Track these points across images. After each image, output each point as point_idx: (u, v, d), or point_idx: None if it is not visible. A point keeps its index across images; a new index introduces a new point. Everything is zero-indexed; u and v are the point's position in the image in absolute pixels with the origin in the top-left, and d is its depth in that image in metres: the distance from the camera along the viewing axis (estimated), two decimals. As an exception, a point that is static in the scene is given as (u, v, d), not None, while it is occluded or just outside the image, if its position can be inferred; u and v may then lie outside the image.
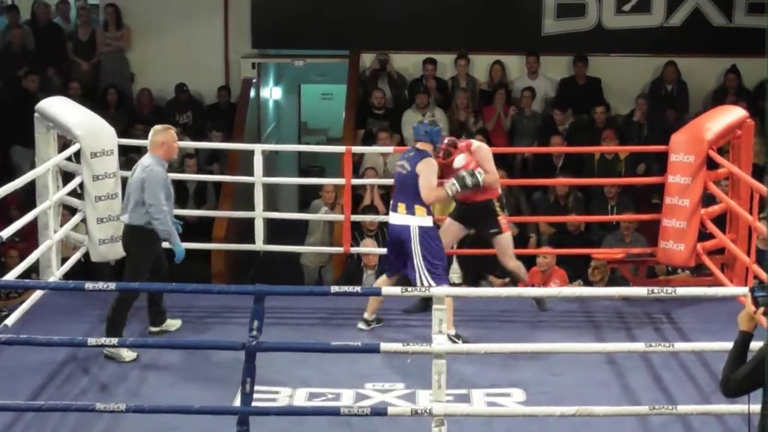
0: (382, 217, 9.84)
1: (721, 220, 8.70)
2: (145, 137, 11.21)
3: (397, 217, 7.64)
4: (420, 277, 7.46)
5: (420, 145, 7.67)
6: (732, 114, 8.99)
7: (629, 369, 7.12)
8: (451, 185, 7.69)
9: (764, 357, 4.54)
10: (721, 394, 4.65)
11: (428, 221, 7.56)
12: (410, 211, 7.54)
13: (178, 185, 11.56)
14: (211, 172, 11.82)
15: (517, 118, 12.30)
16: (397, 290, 6.14)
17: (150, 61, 13.21)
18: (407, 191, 7.59)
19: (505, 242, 8.10)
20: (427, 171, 7.53)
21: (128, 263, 7.56)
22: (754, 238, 6.71)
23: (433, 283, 7.33)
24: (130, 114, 12.70)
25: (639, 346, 6.26)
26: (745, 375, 4.59)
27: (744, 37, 12.63)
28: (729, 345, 5.75)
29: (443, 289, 5.79)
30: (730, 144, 8.94)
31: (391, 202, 7.82)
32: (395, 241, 7.68)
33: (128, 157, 11.04)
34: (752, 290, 4.87)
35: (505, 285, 9.74)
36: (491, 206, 8.02)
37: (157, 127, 7.61)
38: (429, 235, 7.53)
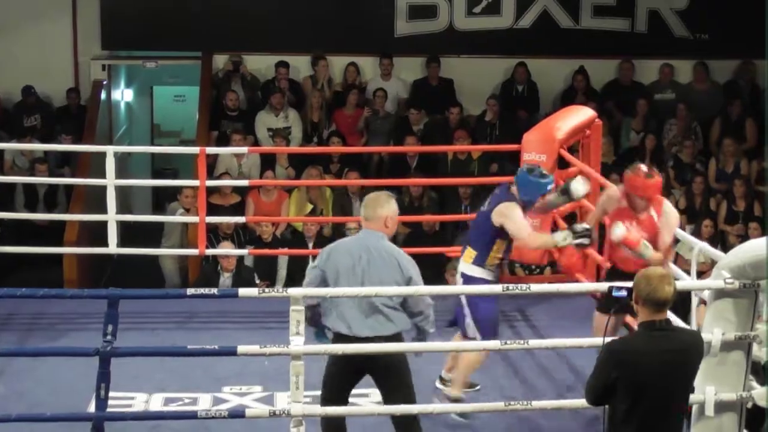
0: (236, 218, 9.79)
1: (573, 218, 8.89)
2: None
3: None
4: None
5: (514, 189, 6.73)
6: (581, 114, 9.22)
7: (485, 366, 7.20)
8: (567, 236, 6.75)
9: (602, 362, 4.66)
10: (577, 389, 4.74)
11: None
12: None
13: (28, 189, 11.36)
14: (62, 176, 11.56)
15: (371, 119, 12.36)
16: (254, 291, 6.09)
17: (-4, 62, 12.87)
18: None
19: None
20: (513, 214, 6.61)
21: None
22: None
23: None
24: (-26, 118, 12.35)
25: (494, 343, 6.35)
26: (591, 381, 4.70)
27: (591, 39, 12.94)
28: (582, 341, 5.93)
29: (300, 290, 5.78)
30: (580, 143, 9.16)
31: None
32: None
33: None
34: (610, 290, 4.99)
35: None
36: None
37: None
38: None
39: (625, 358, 4.58)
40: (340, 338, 5.70)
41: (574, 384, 6.97)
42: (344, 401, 5.88)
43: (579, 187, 7.00)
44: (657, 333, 4.59)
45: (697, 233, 10.05)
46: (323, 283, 5.73)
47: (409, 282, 5.69)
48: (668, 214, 6.87)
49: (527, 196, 6.61)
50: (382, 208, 5.83)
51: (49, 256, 9.67)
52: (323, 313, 5.77)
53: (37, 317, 8.07)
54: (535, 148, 8.73)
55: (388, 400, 5.79)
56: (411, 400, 5.81)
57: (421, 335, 5.87)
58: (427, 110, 12.47)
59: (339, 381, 5.82)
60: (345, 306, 5.66)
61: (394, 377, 5.75)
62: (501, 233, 6.57)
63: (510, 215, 6.51)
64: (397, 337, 5.73)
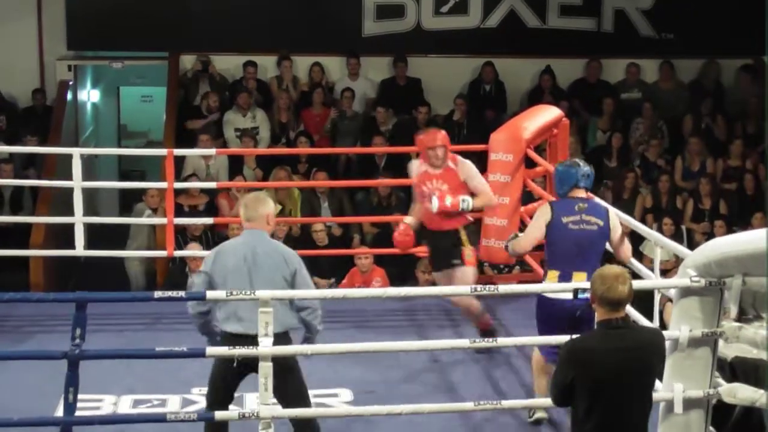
0: (204, 220, 9.75)
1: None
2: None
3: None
4: None
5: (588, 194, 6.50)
6: (548, 113, 9.24)
7: (456, 366, 7.23)
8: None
9: (561, 361, 4.69)
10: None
11: None
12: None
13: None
14: (27, 177, 11.49)
15: (338, 119, 12.35)
16: (222, 294, 6.05)
17: (-39, 63, 12.77)
18: (596, 252, 6.36)
19: (465, 276, 7.53)
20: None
21: None
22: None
23: None
24: (-61, 119, 12.25)
25: (463, 342, 6.36)
26: (552, 380, 4.74)
27: (557, 39, 13.00)
28: (549, 339, 5.94)
29: (267, 293, 5.76)
30: (547, 142, 9.19)
31: (561, 269, 6.37)
32: (571, 318, 6.03)
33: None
34: (575, 292, 5.01)
35: (331, 285, 9.79)
36: (457, 235, 7.61)
37: None
38: None
39: (582, 357, 4.62)
40: (233, 338, 5.68)
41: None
42: (231, 401, 5.91)
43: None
44: (613, 331, 4.63)
45: (659, 231, 10.10)
46: (210, 286, 5.73)
47: (295, 274, 5.74)
48: (464, 162, 7.68)
49: (559, 188, 6.49)
50: (264, 207, 5.86)
51: (14, 258, 9.59)
52: (214, 317, 5.78)
53: (2, 320, 8.01)
54: (502, 148, 8.74)
55: (281, 399, 5.78)
56: (305, 396, 5.85)
57: (309, 332, 5.87)
58: (395, 110, 12.48)
59: (229, 380, 5.80)
60: (238, 304, 5.66)
61: (286, 375, 5.73)
62: None
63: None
64: (287, 334, 5.77)
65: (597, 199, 6.70)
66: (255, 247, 5.76)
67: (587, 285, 4.88)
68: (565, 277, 6.24)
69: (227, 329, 5.72)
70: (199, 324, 5.83)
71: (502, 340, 6.77)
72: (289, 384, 5.79)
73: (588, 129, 12.50)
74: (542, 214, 6.41)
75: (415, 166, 7.88)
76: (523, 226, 8.69)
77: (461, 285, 7.05)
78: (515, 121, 9.28)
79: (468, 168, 7.66)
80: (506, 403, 6.12)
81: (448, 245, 7.60)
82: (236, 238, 5.93)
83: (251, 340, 5.62)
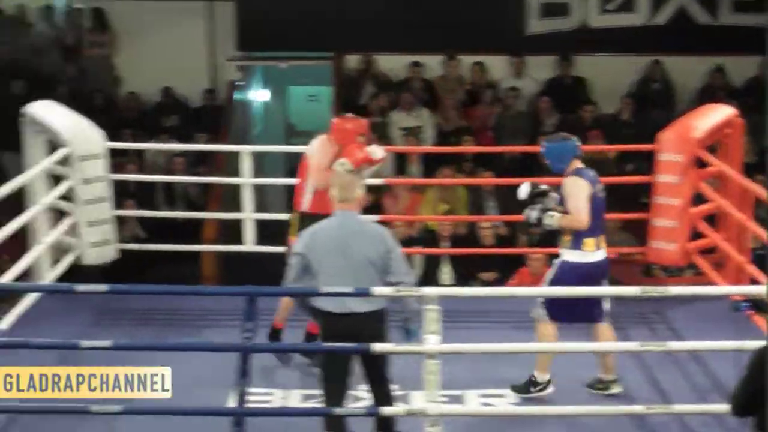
0: (369, 218, 9.80)
1: (711, 219, 8.73)
2: (132, 141, 11.26)
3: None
4: None
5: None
6: (720, 112, 9.01)
7: (623, 369, 7.12)
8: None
9: (752, 368, 4.43)
10: (719, 395, 4.62)
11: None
12: None
13: (167, 188, 11.60)
14: (198, 174, 11.79)
15: (502, 117, 12.31)
16: (388, 290, 6.09)
17: (136, 64, 13.18)
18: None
19: None
20: None
21: None
22: (746, 236, 6.78)
23: None
24: (116, 118, 12.65)
25: (633, 345, 6.27)
26: (739, 388, 4.50)
27: (730, 36, 12.66)
28: (723, 344, 5.80)
29: (434, 290, 5.78)
30: (720, 142, 8.97)
31: (596, 235, 6.75)
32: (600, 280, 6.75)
33: (115, 160, 11.02)
34: (737, 303, 4.86)
35: (495, 279, 9.76)
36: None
37: None
38: None
39: None
40: (331, 317, 5.73)
41: (712, 389, 6.84)
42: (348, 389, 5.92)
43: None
44: None
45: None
46: (305, 269, 5.75)
47: (390, 252, 5.75)
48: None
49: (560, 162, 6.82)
50: (360, 190, 5.88)
51: (187, 252, 9.86)
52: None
53: (174, 313, 8.23)
54: (671, 148, 8.59)
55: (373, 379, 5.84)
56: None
57: (405, 311, 5.85)
58: (560, 109, 12.38)
59: (345, 368, 5.82)
60: (327, 281, 5.68)
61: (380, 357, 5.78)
62: None
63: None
64: (383, 312, 5.79)
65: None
66: (350, 227, 5.78)
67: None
68: (597, 244, 6.64)
69: (326, 308, 5.75)
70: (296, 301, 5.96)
71: (672, 344, 6.64)
72: (381, 361, 5.83)
73: (763, 129, 12.15)
74: (582, 188, 6.63)
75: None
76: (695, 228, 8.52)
77: None
78: (685, 120, 9.08)
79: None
80: (677, 408, 6.02)
81: None
82: (329, 219, 5.88)
83: (350, 318, 5.67)
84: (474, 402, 6.68)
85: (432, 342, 5.70)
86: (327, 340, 5.81)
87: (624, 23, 12.93)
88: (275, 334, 7.29)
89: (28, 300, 7.99)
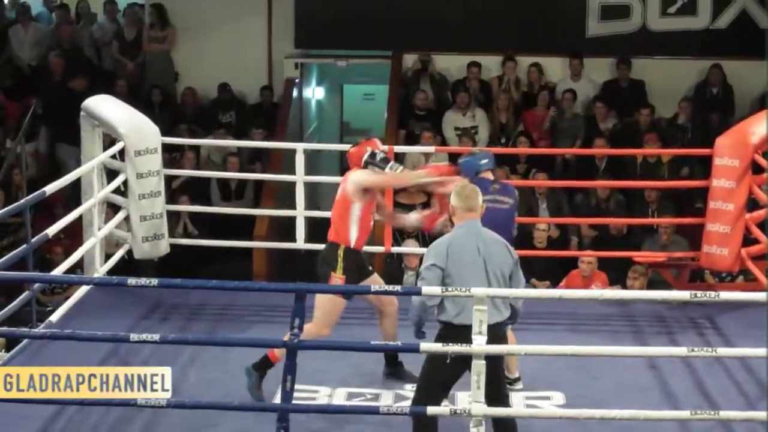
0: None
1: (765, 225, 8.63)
2: (189, 136, 11.36)
3: None
4: None
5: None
6: (778, 118, 8.91)
7: (671, 373, 7.07)
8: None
9: None
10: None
11: None
12: None
13: (222, 183, 11.69)
14: (253, 171, 11.86)
15: (557, 119, 12.26)
16: (438, 290, 6.09)
17: (194, 60, 13.28)
18: (506, 230, 6.69)
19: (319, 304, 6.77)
20: None
21: None
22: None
23: None
24: (174, 113, 12.77)
25: (681, 350, 6.21)
26: None
27: (792, 40, 12.51)
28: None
29: (483, 290, 5.77)
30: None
31: None
32: None
33: (172, 155, 11.13)
34: None
35: (546, 288, 9.72)
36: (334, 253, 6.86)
37: None
38: None
39: None
40: (453, 328, 5.68)
41: (760, 396, 6.77)
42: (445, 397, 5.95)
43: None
44: None
45: None
46: (443, 281, 5.70)
47: (516, 263, 5.81)
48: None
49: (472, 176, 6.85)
50: (480, 197, 5.89)
51: (239, 248, 9.93)
52: (440, 310, 5.74)
53: (225, 308, 8.28)
54: (728, 153, 8.51)
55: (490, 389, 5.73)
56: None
57: (512, 318, 5.92)
58: (617, 112, 12.30)
59: (453, 376, 5.83)
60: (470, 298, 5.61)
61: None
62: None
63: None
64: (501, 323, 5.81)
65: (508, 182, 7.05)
66: (482, 238, 5.78)
67: None
68: None
69: (461, 322, 5.68)
70: (419, 317, 5.81)
71: (722, 351, 6.57)
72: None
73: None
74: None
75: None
76: (749, 234, 8.43)
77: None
78: (743, 125, 9.00)
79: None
80: (723, 414, 5.96)
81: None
82: (458, 230, 5.83)
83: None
84: (518, 403, 6.67)
85: (479, 342, 5.68)
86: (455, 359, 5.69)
87: (684, 27, 12.82)
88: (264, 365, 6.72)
89: (80, 292, 8.09)
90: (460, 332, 5.65)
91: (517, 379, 6.97)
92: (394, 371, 7.03)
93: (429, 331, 5.90)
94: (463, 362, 5.69)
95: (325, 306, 6.69)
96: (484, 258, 5.72)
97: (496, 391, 5.82)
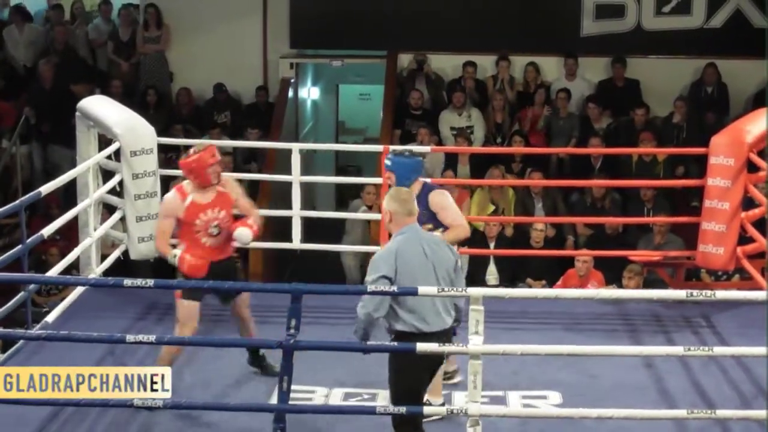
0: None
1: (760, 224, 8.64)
2: (184, 137, 11.34)
3: None
4: None
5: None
6: (773, 117, 8.92)
7: (667, 372, 7.08)
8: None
9: None
10: (764, 401, 4.57)
11: None
12: None
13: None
14: (248, 171, 11.86)
15: (552, 118, 12.26)
16: (433, 290, 6.08)
17: (189, 60, 13.28)
18: None
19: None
20: None
21: None
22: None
23: None
24: (169, 113, 12.77)
25: (677, 349, 6.22)
26: None
27: (786, 39, 12.52)
28: (768, 349, 5.73)
29: (479, 290, 5.77)
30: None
31: None
32: None
33: (167, 156, 11.11)
34: None
35: (542, 287, 9.73)
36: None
37: None
38: None
39: None
40: (412, 337, 5.65)
41: (756, 395, 6.78)
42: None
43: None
44: None
45: None
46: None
47: (457, 263, 5.80)
48: (231, 181, 6.92)
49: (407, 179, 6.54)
50: (415, 200, 5.88)
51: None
52: (394, 320, 5.71)
53: (222, 309, 8.27)
54: (723, 152, 8.52)
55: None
56: None
57: (459, 318, 5.85)
58: (612, 111, 12.31)
59: (426, 381, 5.83)
60: (417, 302, 5.62)
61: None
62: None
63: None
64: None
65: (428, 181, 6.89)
66: (426, 240, 5.76)
67: None
68: None
69: (407, 329, 5.66)
70: (365, 330, 5.77)
71: (717, 349, 6.58)
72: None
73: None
74: (450, 198, 6.65)
75: (175, 202, 6.77)
76: (744, 233, 8.44)
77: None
78: (738, 124, 9.01)
79: (233, 184, 6.95)
80: (720, 413, 5.96)
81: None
82: (402, 235, 5.75)
83: (437, 337, 5.63)
84: (516, 403, 6.68)
85: (475, 342, 5.69)
86: (417, 364, 5.70)
87: (679, 26, 12.83)
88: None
89: (76, 293, 8.08)
90: (427, 339, 5.63)
91: (456, 371, 6.91)
92: (257, 363, 7.08)
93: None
94: (430, 368, 5.76)
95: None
96: (433, 261, 5.69)
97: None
